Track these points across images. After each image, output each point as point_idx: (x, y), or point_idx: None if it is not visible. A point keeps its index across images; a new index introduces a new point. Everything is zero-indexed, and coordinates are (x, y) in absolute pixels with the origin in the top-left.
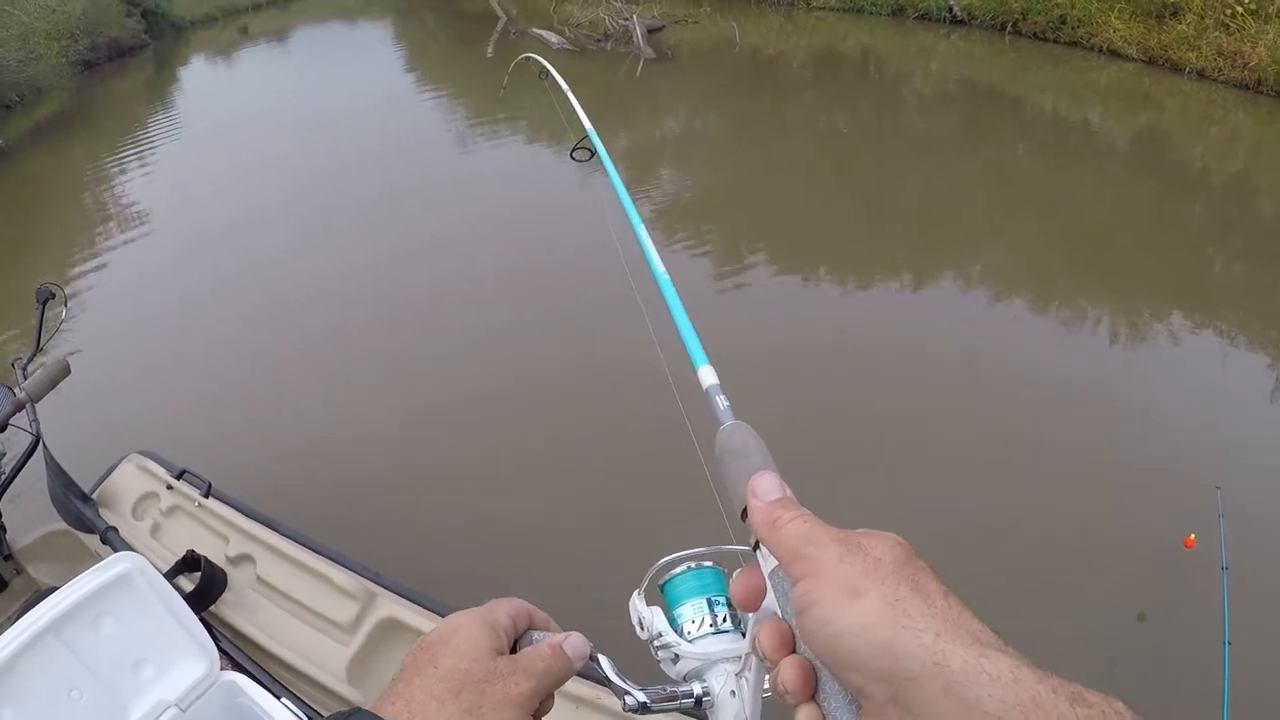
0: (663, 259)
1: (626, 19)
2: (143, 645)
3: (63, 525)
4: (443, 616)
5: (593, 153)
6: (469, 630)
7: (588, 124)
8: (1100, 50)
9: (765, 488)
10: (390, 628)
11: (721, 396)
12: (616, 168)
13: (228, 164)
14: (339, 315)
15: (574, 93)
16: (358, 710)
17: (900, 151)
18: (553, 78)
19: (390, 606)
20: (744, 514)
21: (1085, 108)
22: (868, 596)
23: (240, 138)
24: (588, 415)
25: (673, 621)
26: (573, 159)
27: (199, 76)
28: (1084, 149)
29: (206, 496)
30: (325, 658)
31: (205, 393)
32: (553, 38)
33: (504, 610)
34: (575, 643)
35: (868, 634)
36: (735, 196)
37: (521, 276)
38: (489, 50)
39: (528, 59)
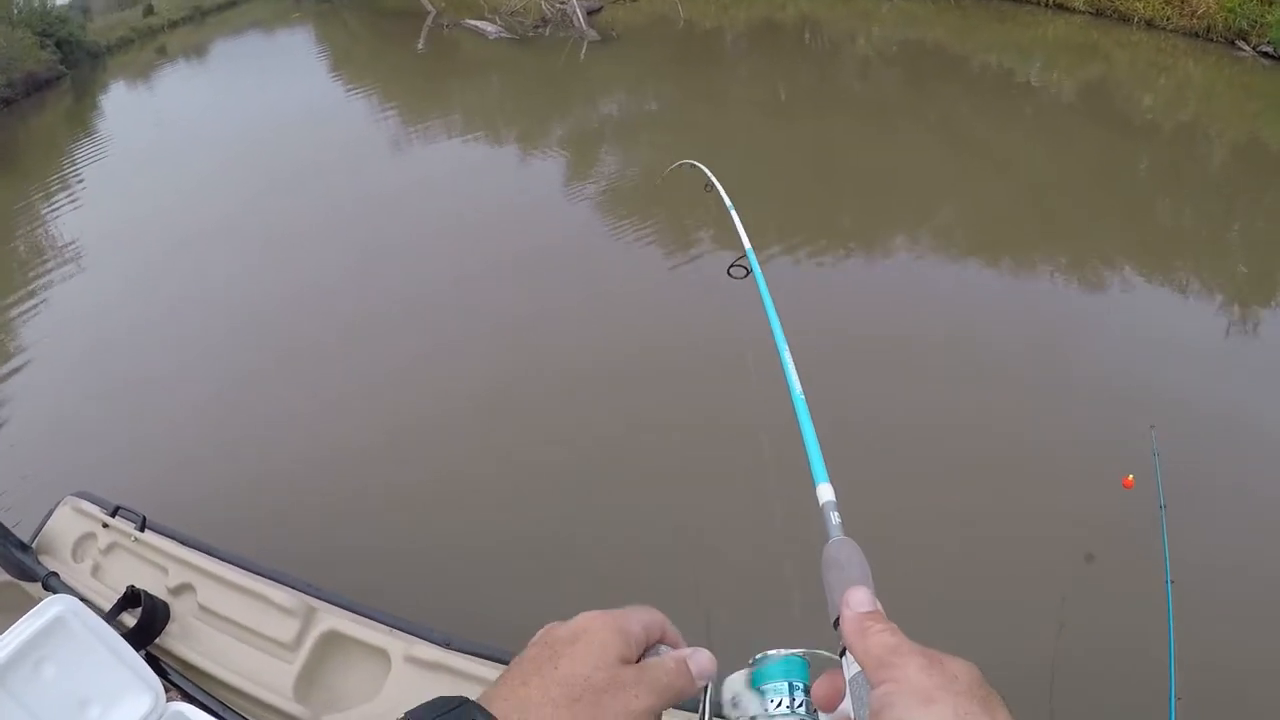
0: (800, 376)
1: (564, 1)
2: (86, 686)
3: (5, 577)
4: (384, 625)
5: (749, 271)
6: (599, 634)
7: (747, 242)
8: (1046, 4)
9: (858, 600)
10: (332, 641)
11: (835, 513)
12: (770, 289)
13: (153, 195)
14: (292, 334)
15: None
16: (466, 702)
17: (850, 117)
18: (718, 192)
19: (331, 620)
20: (836, 623)
21: (1033, 62)
22: (941, 705)
23: (164, 167)
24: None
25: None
26: (729, 275)
27: (120, 102)
28: (1033, 103)
29: (142, 530)
30: (271, 678)
31: (141, 428)
32: (489, 28)
33: (639, 619)
34: (702, 661)
35: None
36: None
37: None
38: (420, 45)
39: (692, 167)
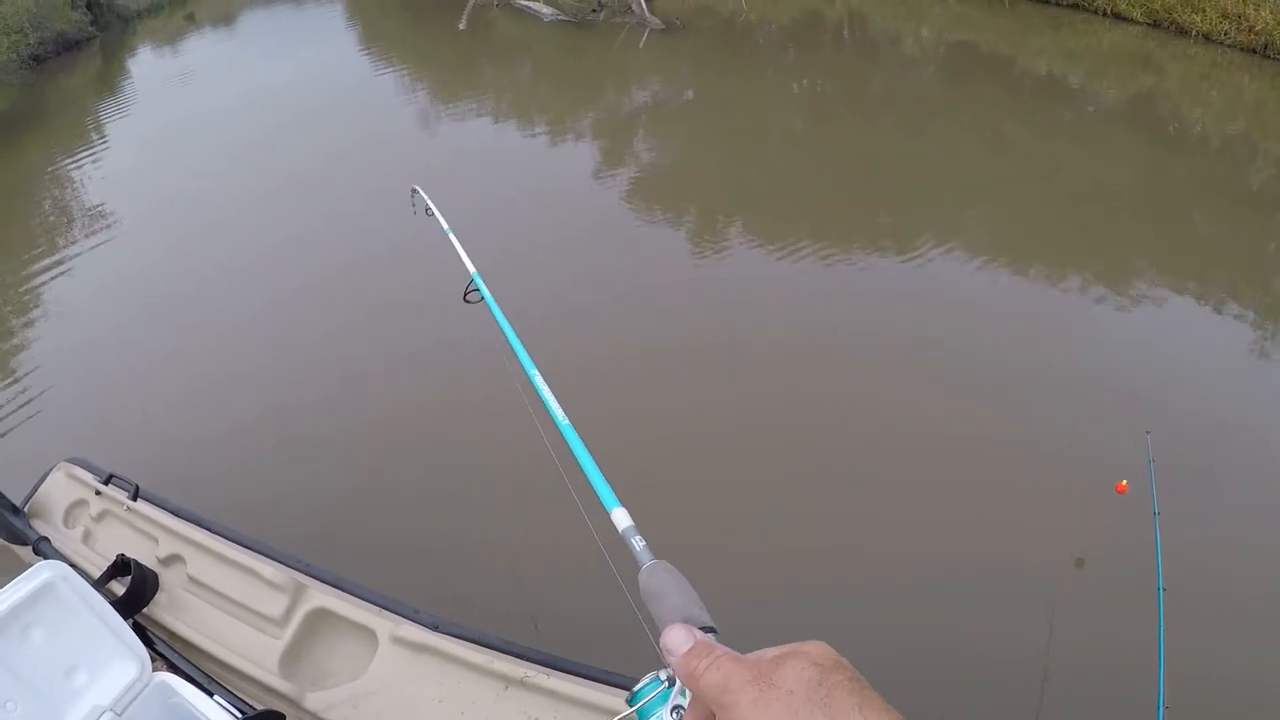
0: (564, 406)
1: None
2: (74, 652)
3: None
4: (373, 605)
5: (482, 297)
6: None
7: (471, 267)
8: (1103, 13)
9: (676, 641)
10: (321, 618)
11: (638, 538)
12: (507, 314)
13: (175, 168)
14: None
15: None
16: None
17: (903, 120)
18: (435, 218)
19: (320, 597)
20: None
21: (1086, 72)
22: None
23: (182, 144)
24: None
25: None
26: (466, 301)
27: (148, 67)
28: (1083, 114)
29: (135, 499)
30: (257, 652)
31: (143, 397)
32: (545, 10)
33: None
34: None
35: None
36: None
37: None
38: (461, 24)
39: (413, 192)
